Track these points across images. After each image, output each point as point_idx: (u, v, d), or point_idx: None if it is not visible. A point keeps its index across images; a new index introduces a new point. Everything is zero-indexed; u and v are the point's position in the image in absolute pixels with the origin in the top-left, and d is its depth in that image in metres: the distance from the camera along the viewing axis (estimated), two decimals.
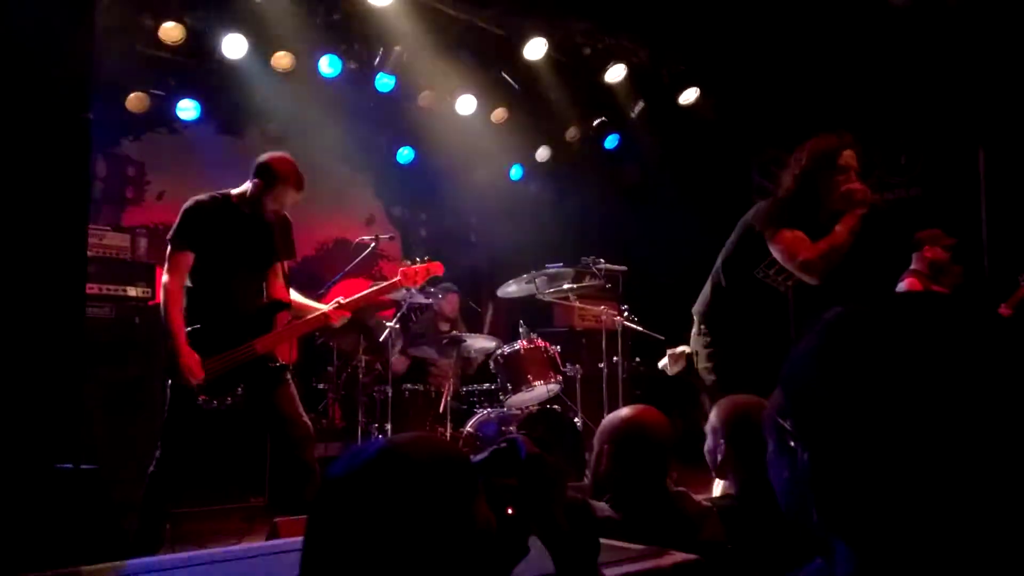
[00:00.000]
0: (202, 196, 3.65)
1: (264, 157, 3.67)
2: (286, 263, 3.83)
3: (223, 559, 1.99)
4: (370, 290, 3.93)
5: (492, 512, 1.01)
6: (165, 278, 3.53)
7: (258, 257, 3.72)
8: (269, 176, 3.61)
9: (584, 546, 1.15)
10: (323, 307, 3.82)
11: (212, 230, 3.58)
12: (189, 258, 3.54)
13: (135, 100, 6.03)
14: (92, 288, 4.86)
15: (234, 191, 3.70)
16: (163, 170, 6.51)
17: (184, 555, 2.06)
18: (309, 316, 3.79)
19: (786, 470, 1.40)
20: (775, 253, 3.16)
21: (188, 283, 3.57)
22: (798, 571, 1.26)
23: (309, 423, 3.69)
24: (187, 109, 6.23)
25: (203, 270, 3.57)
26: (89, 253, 4.93)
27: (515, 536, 1.07)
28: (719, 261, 3.40)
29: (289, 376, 3.75)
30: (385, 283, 3.94)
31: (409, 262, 4.01)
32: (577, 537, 1.14)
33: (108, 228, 5.26)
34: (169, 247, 3.59)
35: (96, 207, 6.17)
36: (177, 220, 3.62)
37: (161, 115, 6.31)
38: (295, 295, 3.90)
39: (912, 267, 4.96)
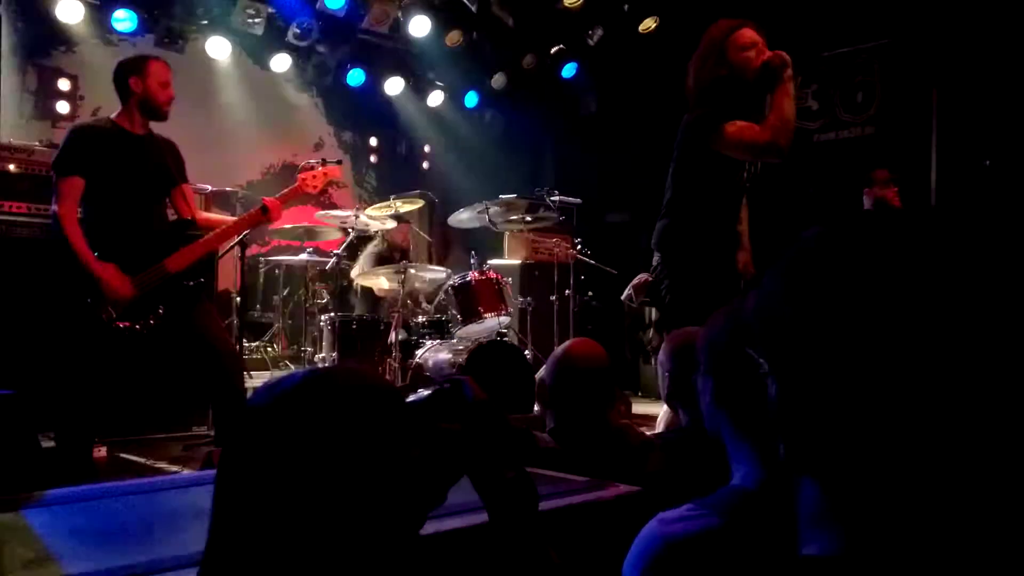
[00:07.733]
0: (86, 120, 3.52)
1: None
2: (187, 186, 3.72)
3: (150, 489, 1.91)
4: (286, 191, 3.76)
5: (426, 456, 0.94)
6: (55, 207, 3.35)
7: (154, 178, 3.56)
8: (122, 74, 3.47)
9: (524, 498, 1.07)
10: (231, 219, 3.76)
11: (100, 153, 3.40)
12: (79, 183, 3.36)
13: (67, 9, 5.70)
14: (20, 207, 4.62)
15: (114, 115, 3.53)
16: (99, 84, 6.18)
17: (108, 484, 1.97)
18: (234, 219, 3.70)
19: (707, 394, 1.38)
20: (730, 152, 2.97)
21: (83, 213, 3.40)
22: (714, 494, 1.24)
23: (236, 349, 3.60)
24: (123, 20, 5.92)
25: (98, 196, 3.41)
26: (17, 170, 4.69)
27: (439, 483, 1.00)
28: (670, 186, 3.24)
29: (205, 296, 3.65)
30: (288, 188, 3.80)
31: (312, 164, 3.91)
32: (518, 489, 1.06)
33: (37, 144, 4.98)
34: (55, 175, 3.41)
35: (26, 122, 5.88)
36: (60, 146, 3.45)
37: (96, 26, 5.98)
38: (209, 215, 3.84)
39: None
